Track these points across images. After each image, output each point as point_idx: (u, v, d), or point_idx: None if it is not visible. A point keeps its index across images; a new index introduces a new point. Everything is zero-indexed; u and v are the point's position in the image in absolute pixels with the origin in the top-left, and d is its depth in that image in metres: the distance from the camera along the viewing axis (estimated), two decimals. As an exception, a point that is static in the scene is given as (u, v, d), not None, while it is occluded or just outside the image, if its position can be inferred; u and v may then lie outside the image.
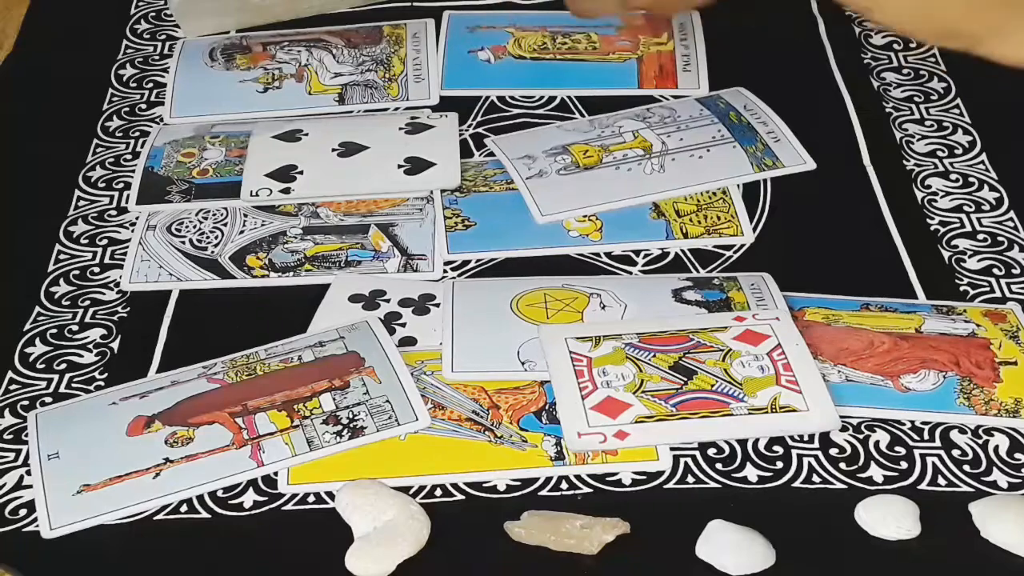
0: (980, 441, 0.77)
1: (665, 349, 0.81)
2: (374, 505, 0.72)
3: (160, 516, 0.74)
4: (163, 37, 1.11)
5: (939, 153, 0.98)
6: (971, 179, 0.95)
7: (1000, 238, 0.91)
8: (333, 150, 0.97)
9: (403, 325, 0.84)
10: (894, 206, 0.93)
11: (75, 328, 0.85)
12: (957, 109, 1.02)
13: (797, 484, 0.75)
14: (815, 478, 0.75)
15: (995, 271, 0.88)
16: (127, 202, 0.94)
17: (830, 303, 0.85)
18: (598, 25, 1.08)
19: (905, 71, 1.05)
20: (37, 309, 0.87)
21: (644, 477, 0.75)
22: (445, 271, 0.89)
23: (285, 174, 0.96)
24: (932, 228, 0.92)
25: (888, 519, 0.72)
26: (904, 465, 0.76)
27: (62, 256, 0.91)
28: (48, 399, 0.81)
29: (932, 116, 1.01)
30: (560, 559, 0.71)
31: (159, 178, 0.96)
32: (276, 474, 0.75)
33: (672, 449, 0.76)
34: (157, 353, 0.84)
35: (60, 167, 0.98)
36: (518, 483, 0.75)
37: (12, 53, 1.10)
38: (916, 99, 1.03)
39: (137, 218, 0.93)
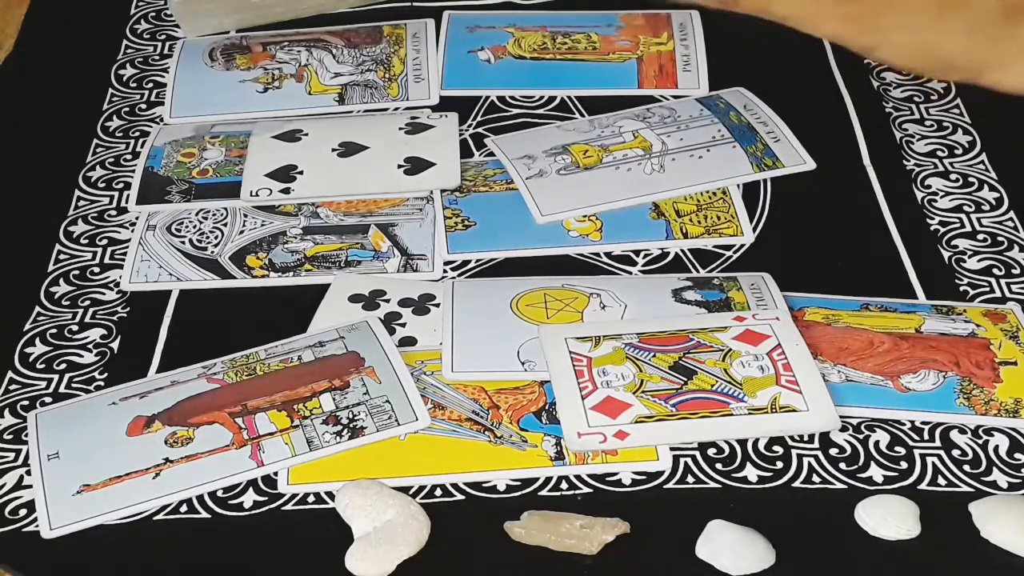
0: (980, 441, 0.77)
1: (665, 349, 0.81)
2: (374, 505, 0.72)
3: (160, 516, 0.74)
4: (163, 37, 1.11)
5: (939, 153, 0.98)
6: (971, 179, 0.95)
7: (1000, 238, 0.91)
8: (333, 150, 0.97)
9: (403, 325, 0.84)
10: (894, 206, 0.93)
11: (75, 328, 0.85)
12: (957, 109, 1.01)
13: (797, 484, 0.75)
14: (815, 478, 0.75)
15: (995, 271, 0.88)
16: (127, 202, 0.94)
17: (830, 303, 0.85)
18: (598, 25, 1.09)
19: (905, 71, 1.05)
20: (37, 309, 0.87)
21: (644, 477, 0.75)
22: (445, 271, 0.89)
23: (285, 174, 0.96)
24: (932, 228, 0.92)
25: (888, 519, 0.72)
26: (904, 465, 0.76)
27: (62, 256, 0.91)
28: (48, 399, 0.81)
29: (932, 116, 1.01)
30: (560, 559, 0.71)
31: (159, 178, 0.96)
32: (276, 474, 0.75)
33: (672, 449, 0.76)
34: (157, 353, 0.84)
35: (60, 167, 0.98)
36: (518, 483, 0.75)
37: (12, 53, 1.10)
38: (916, 99, 1.03)
39: (137, 218, 0.93)
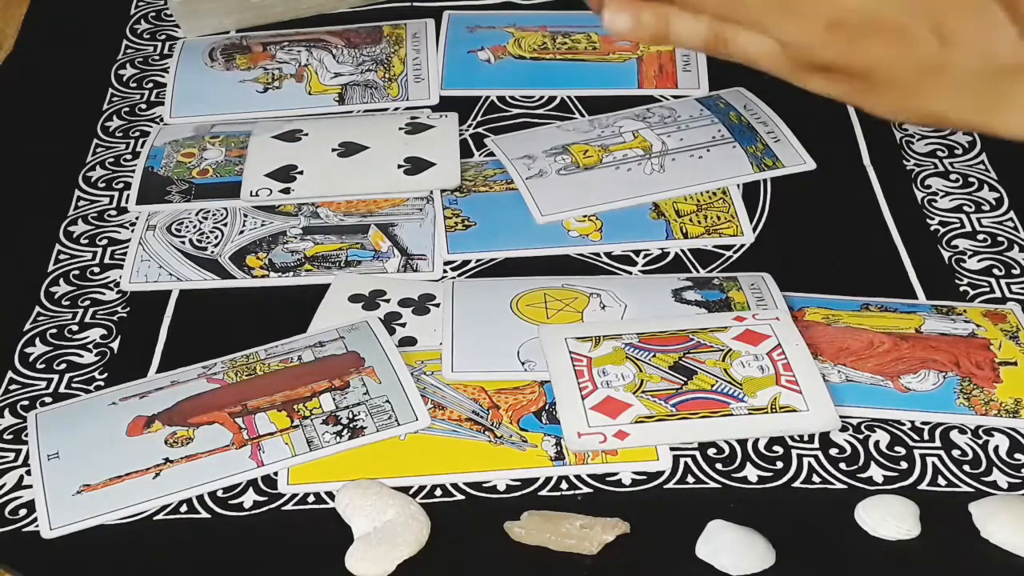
0: (980, 441, 0.77)
1: (665, 349, 0.81)
2: (374, 505, 0.72)
3: (160, 516, 0.74)
4: (163, 37, 1.11)
5: (939, 153, 0.98)
6: (971, 179, 0.95)
7: (1000, 238, 0.91)
8: (333, 150, 0.97)
9: (403, 325, 0.84)
10: (894, 206, 0.93)
11: (75, 328, 0.85)
12: (957, 109, 1.01)
13: (797, 484, 0.75)
14: (815, 478, 0.75)
15: (995, 271, 0.88)
16: (127, 202, 0.94)
17: (830, 303, 0.85)
18: (598, 25, 1.08)
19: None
20: (37, 309, 0.87)
21: (644, 477, 0.75)
22: (445, 271, 0.89)
23: (285, 174, 0.96)
24: (932, 228, 0.92)
25: (888, 519, 0.72)
26: (904, 465, 0.76)
27: (62, 256, 0.91)
28: (48, 399, 0.81)
29: (932, 116, 1.01)
30: (560, 559, 0.71)
31: (159, 178, 0.96)
32: (276, 474, 0.75)
33: (672, 449, 0.76)
34: (157, 353, 0.84)
35: (60, 167, 0.98)
36: (518, 483, 0.75)
37: (12, 53, 1.10)
38: (916, 99, 1.03)
39: (137, 218, 0.93)
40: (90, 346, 0.84)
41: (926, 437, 0.77)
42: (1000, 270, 0.88)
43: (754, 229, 0.91)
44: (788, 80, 0.62)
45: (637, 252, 0.90)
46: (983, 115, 0.60)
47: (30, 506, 0.74)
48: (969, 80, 0.59)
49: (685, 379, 0.79)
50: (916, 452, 0.76)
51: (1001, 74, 0.58)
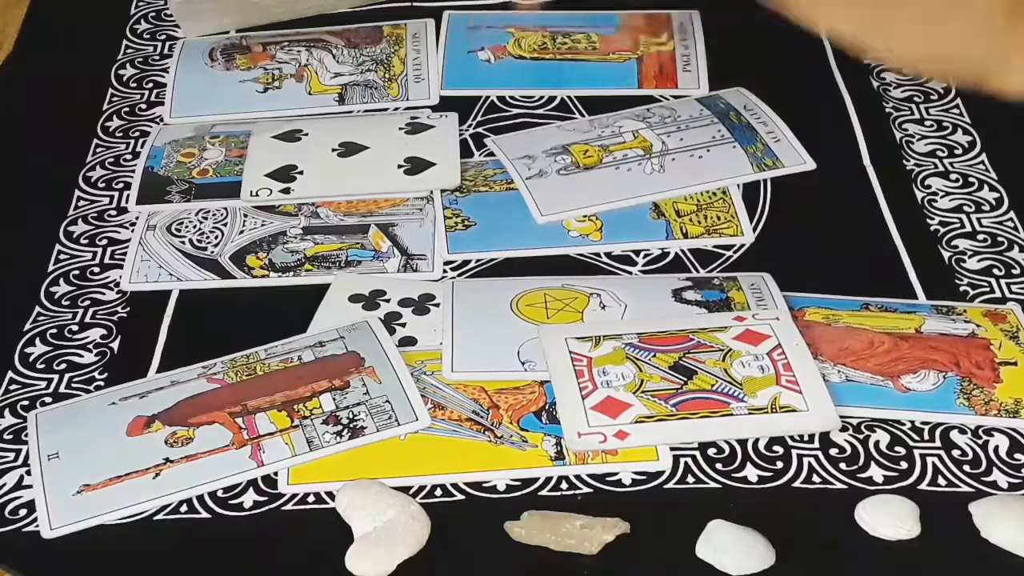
0: (980, 441, 0.77)
1: (665, 349, 0.81)
2: (374, 505, 0.72)
3: (160, 516, 0.74)
4: (163, 37, 1.11)
5: (939, 153, 0.98)
6: (971, 179, 0.95)
7: (1000, 238, 0.91)
8: (333, 150, 0.97)
9: (403, 325, 0.84)
10: (894, 206, 0.93)
11: (75, 328, 0.85)
12: (957, 109, 1.02)
13: (797, 484, 0.75)
14: (815, 478, 0.75)
15: (995, 271, 0.88)
16: (127, 202, 0.94)
17: (830, 303, 0.85)
18: (598, 25, 1.09)
19: (905, 71, 1.05)
20: (37, 309, 0.87)
21: (644, 477, 0.75)
22: (445, 271, 0.89)
23: (285, 174, 0.96)
24: (932, 228, 0.92)
25: (888, 519, 0.72)
26: (904, 465, 0.76)
27: (62, 256, 0.91)
28: (48, 399, 0.81)
29: (932, 116, 1.01)
30: (560, 559, 0.71)
31: (159, 178, 0.96)
32: (276, 474, 0.75)
33: (672, 449, 0.76)
34: (157, 353, 0.84)
35: (60, 167, 0.98)
36: (518, 483, 0.75)
37: (12, 53, 1.10)
38: (916, 99, 1.03)
39: (137, 218, 0.93)
40: (90, 346, 0.84)
41: (926, 437, 0.77)
42: (1000, 270, 0.88)
43: (754, 229, 0.91)
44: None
45: (637, 252, 0.90)
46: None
47: (30, 506, 0.74)
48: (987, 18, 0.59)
49: (685, 379, 0.79)
50: (916, 452, 0.76)
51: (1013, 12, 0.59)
